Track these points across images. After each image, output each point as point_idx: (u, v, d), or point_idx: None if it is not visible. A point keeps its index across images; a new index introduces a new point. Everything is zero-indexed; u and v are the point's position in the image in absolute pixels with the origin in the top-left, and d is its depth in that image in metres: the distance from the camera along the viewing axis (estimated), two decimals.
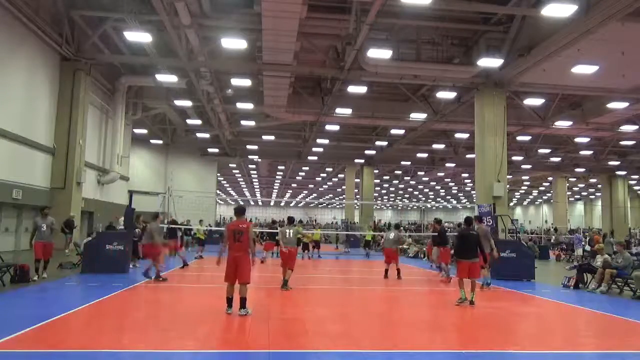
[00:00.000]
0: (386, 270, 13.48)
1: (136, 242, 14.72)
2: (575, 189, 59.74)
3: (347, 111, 23.75)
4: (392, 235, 13.87)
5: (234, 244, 7.36)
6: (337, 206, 72.46)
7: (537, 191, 64.31)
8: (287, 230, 10.83)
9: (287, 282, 10.43)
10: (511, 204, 74.62)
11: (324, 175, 53.05)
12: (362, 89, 21.03)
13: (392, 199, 78.85)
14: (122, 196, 26.95)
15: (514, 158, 34.33)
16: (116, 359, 5.14)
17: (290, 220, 11.38)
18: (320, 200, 73.20)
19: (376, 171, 43.49)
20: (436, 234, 14.50)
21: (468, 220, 9.86)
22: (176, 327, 6.56)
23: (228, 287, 7.38)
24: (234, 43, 16.17)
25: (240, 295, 7.28)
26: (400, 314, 8.56)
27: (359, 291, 11.60)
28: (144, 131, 31.44)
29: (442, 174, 48.22)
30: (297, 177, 55.71)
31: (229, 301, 7.38)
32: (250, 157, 38.48)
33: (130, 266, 13.94)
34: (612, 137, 28.88)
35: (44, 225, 10.73)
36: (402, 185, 62.10)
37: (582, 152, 34.41)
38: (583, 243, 22.32)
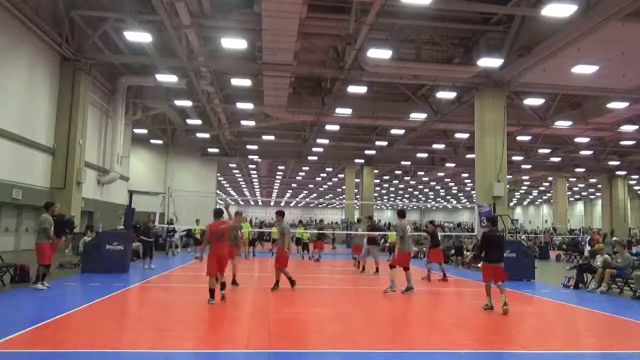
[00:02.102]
0: (358, 262, 15.77)
1: (150, 243, 14.58)
2: (575, 189, 59.73)
3: (347, 111, 23.75)
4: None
5: (216, 242, 8.52)
6: (337, 206, 72.44)
7: (537, 191, 64.31)
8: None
9: (278, 284, 10.11)
10: (511, 204, 74.61)
11: (324, 175, 53.04)
12: (362, 89, 21.03)
13: (392, 199, 78.86)
14: (122, 196, 26.95)
15: (514, 158, 34.32)
16: (116, 359, 5.14)
17: (280, 214, 10.51)
18: (320, 200, 73.19)
19: (376, 171, 43.47)
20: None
21: (493, 220, 9.00)
22: (176, 327, 6.56)
23: (212, 280, 8.31)
24: (234, 43, 16.16)
25: (220, 281, 8.51)
26: (399, 314, 8.55)
27: (357, 291, 11.60)
28: (144, 131, 31.42)
29: (442, 174, 48.21)
30: (297, 177, 55.70)
31: (212, 292, 8.22)
32: (250, 157, 38.46)
33: (145, 267, 13.92)
34: (612, 137, 28.86)
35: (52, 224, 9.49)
36: (402, 185, 62.09)
37: (582, 152, 34.39)
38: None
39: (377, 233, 16.80)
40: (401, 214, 10.63)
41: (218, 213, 8.99)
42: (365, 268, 15.13)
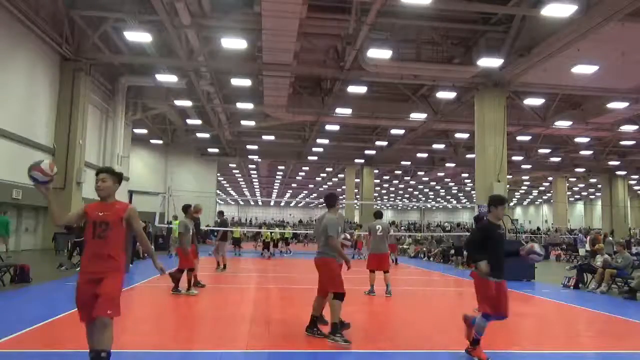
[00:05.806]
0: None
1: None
2: (575, 189, 59.72)
3: (347, 111, 23.75)
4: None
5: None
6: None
7: (537, 191, 64.27)
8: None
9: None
10: (511, 204, 74.60)
11: (324, 175, 53.02)
12: (362, 89, 21.03)
13: (392, 199, 78.81)
14: (122, 196, 26.92)
15: (514, 158, 34.32)
16: (116, 359, 5.13)
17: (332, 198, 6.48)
18: (321, 200, 73.15)
19: (376, 171, 43.47)
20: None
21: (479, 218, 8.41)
22: (175, 327, 6.56)
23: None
24: (234, 43, 16.17)
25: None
26: (398, 314, 8.55)
27: (356, 290, 11.58)
28: (144, 131, 31.42)
29: (442, 174, 48.20)
30: (297, 177, 55.70)
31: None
32: (250, 157, 38.47)
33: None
34: (612, 137, 28.88)
35: None
36: (402, 185, 62.06)
37: (582, 152, 34.42)
38: (585, 242, 22.25)
39: (227, 229, 15.50)
40: (375, 214, 10.85)
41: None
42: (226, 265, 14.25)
